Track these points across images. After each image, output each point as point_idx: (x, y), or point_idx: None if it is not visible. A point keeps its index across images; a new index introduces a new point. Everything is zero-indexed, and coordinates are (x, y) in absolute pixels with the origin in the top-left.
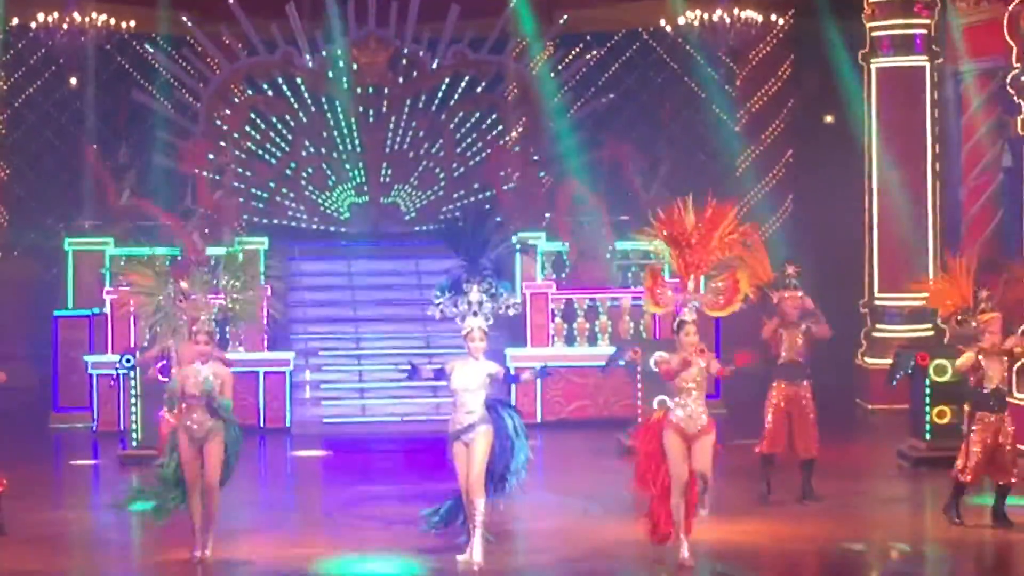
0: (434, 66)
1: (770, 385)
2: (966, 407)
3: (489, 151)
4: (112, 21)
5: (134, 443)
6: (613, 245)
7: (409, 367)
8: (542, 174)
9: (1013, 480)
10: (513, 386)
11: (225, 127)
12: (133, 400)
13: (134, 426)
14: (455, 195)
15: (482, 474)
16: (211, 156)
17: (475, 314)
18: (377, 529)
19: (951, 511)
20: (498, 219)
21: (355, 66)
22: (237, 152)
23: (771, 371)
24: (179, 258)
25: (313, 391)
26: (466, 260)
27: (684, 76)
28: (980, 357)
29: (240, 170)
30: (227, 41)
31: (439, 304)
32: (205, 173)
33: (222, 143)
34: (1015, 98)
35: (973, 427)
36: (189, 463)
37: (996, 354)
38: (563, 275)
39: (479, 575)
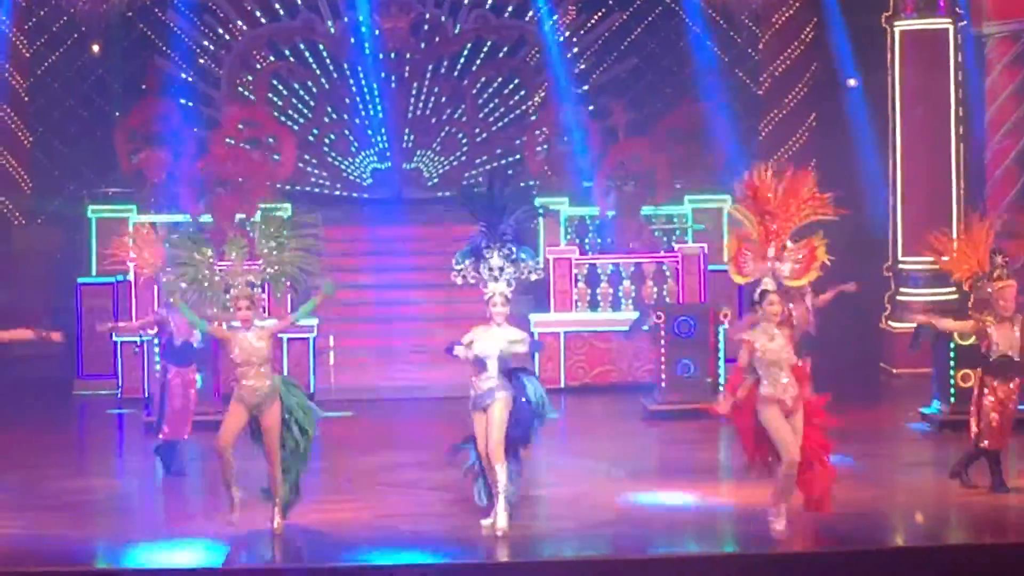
0: (456, 31)
1: None
2: (978, 372)
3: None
4: None
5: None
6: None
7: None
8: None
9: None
10: (536, 352)
11: (247, 94)
12: (157, 366)
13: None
14: (477, 160)
15: (501, 440)
16: (241, 126)
17: (496, 280)
18: (401, 495)
19: (997, 480)
20: (521, 184)
21: (377, 31)
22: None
23: None
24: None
25: (337, 357)
26: (486, 225)
27: (707, 40)
28: (989, 325)
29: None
30: (248, 7)
31: (460, 270)
32: (230, 141)
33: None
34: None
35: (986, 392)
36: (231, 423)
37: (1008, 321)
38: (608, 240)
39: (503, 540)
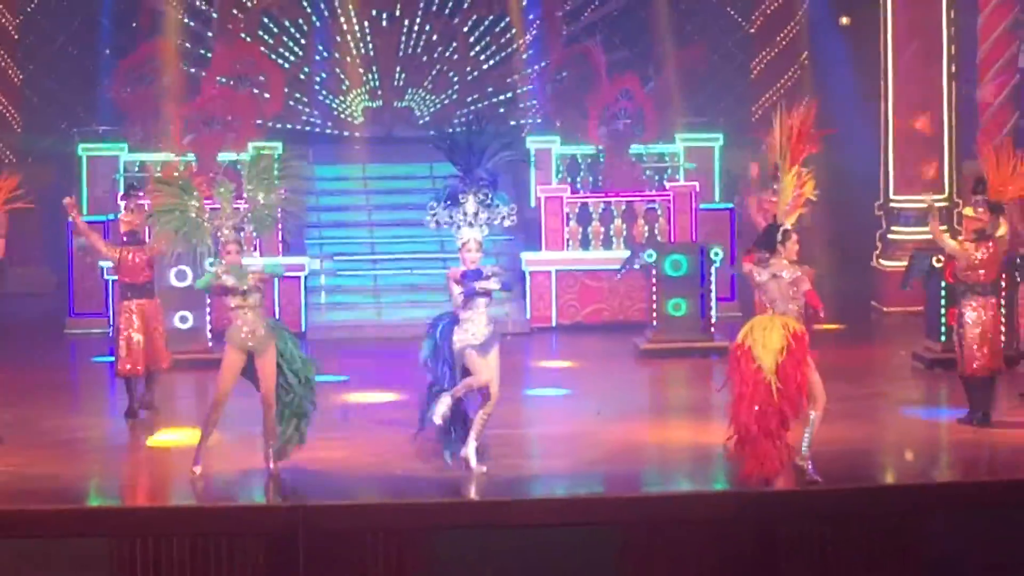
0: None
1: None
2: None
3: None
4: None
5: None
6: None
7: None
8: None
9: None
10: (528, 289)
11: (239, 33)
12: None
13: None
14: (469, 99)
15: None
16: (237, 64)
17: (471, 225)
18: (394, 434)
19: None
20: (512, 123)
21: None
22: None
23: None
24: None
25: (328, 296)
26: (463, 169)
27: None
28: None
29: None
30: None
31: (434, 215)
32: (221, 80)
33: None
34: None
35: (967, 317)
36: (227, 371)
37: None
38: (598, 179)
39: (494, 480)
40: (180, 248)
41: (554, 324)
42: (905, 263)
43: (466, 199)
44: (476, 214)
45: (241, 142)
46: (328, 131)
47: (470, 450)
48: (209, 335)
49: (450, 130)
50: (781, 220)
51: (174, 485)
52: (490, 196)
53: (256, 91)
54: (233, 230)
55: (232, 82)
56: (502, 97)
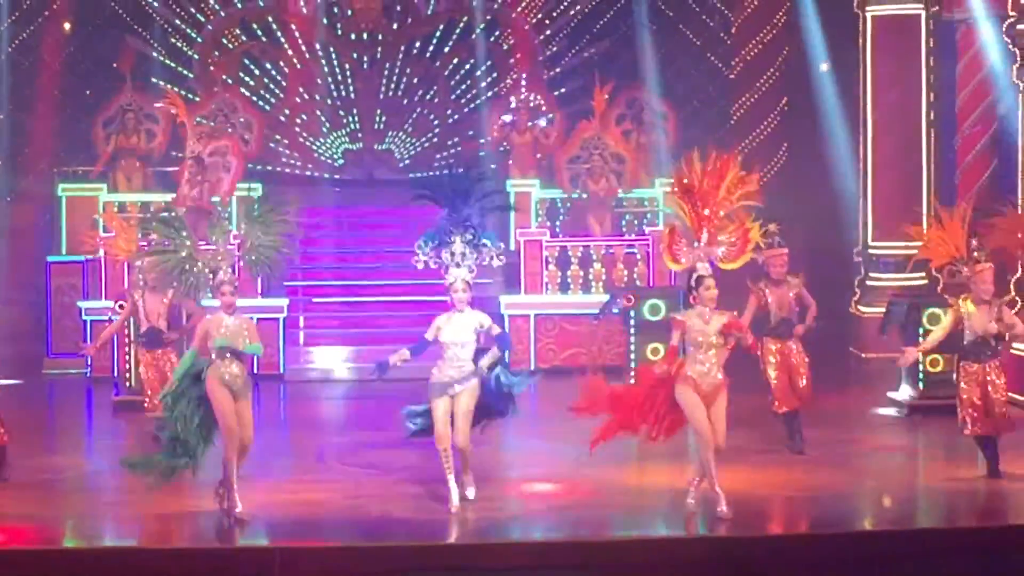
0: (429, 12)
1: (762, 344)
2: (956, 357)
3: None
4: None
5: (128, 388)
6: (615, 191)
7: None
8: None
9: (999, 431)
10: (507, 348)
11: (222, 76)
12: (127, 346)
13: (128, 372)
14: (449, 142)
15: (468, 427)
16: (214, 106)
17: (458, 265)
18: (371, 476)
19: (995, 470)
20: (492, 166)
21: (349, 12)
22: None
23: (763, 329)
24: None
25: (306, 337)
26: (450, 211)
27: (679, 23)
28: (965, 310)
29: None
30: None
31: (422, 255)
32: (198, 119)
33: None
34: (1010, 46)
35: (962, 376)
36: (229, 415)
37: (986, 304)
38: (557, 222)
39: (472, 523)
40: (170, 287)
41: (532, 367)
42: (883, 309)
43: (453, 239)
44: (463, 254)
45: (233, 185)
46: (308, 173)
47: (452, 490)
48: None
49: (431, 174)
50: (714, 263)
51: (151, 526)
52: (477, 236)
53: (231, 130)
54: (229, 271)
55: (211, 124)
56: (482, 140)
